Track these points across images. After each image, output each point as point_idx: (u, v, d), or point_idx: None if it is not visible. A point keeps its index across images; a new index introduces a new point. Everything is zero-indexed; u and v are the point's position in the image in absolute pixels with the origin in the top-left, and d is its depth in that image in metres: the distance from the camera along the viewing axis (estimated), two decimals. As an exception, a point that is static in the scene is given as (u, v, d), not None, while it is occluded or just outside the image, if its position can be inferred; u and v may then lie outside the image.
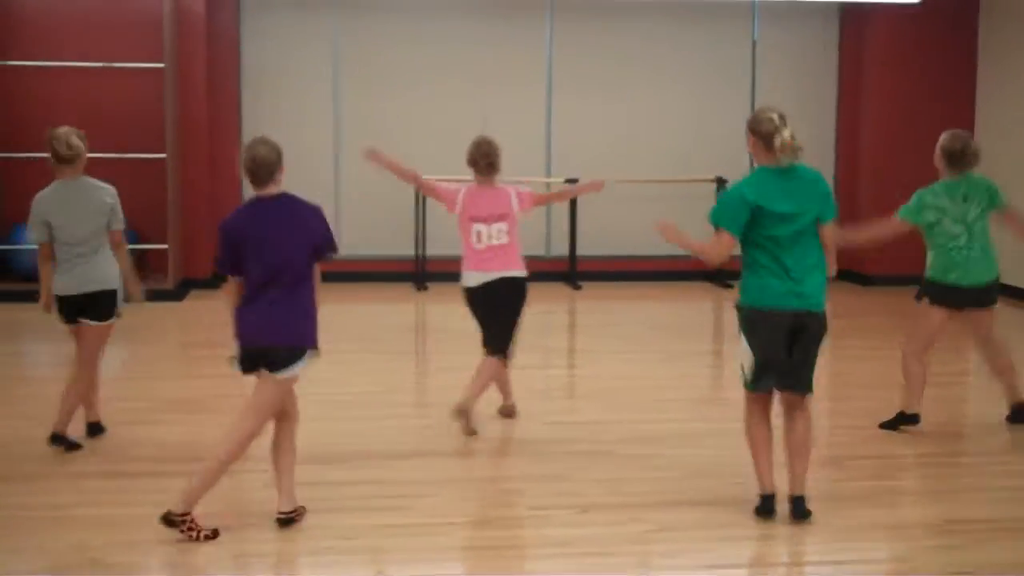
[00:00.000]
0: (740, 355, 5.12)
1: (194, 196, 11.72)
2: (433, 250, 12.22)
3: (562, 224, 12.49)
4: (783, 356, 5.02)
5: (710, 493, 5.48)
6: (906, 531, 5.11)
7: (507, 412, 6.84)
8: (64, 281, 6.08)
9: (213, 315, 10.36)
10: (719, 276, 12.52)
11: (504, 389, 6.80)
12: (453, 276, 12.11)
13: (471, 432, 6.39)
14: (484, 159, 6.49)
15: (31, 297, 10.58)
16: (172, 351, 9.18)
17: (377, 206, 12.49)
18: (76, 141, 6.04)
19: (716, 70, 12.97)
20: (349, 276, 12.10)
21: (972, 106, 12.66)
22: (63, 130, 6.06)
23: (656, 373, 8.36)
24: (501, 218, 6.43)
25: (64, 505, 5.29)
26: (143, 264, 11.44)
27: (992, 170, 12.14)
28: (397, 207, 12.16)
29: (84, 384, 6.20)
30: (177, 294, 11.08)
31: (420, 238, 12.14)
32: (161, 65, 11.04)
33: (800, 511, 5.10)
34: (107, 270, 6.12)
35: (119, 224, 6.19)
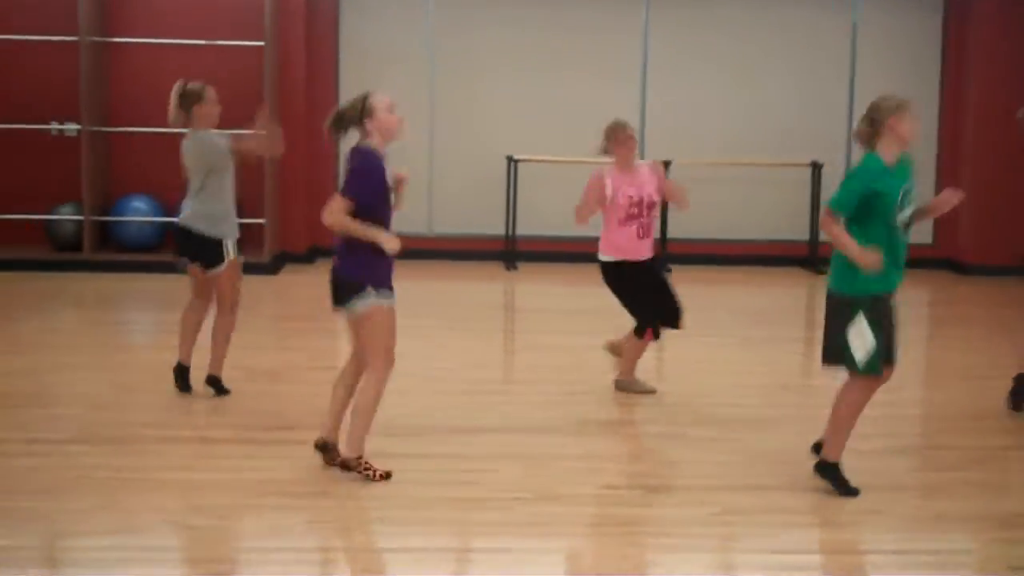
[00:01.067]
0: (859, 341, 5.14)
1: (291, 173, 11.97)
2: (523, 230, 12.33)
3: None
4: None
5: (777, 479, 5.49)
6: (973, 523, 5.08)
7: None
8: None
9: (307, 289, 10.63)
10: (812, 262, 12.40)
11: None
12: (543, 256, 12.35)
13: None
14: (629, 140, 6.86)
15: (135, 267, 11.05)
16: (265, 323, 9.40)
17: (469, 185, 12.63)
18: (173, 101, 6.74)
19: (815, 55, 12.81)
20: (439, 254, 12.29)
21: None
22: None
23: (739, 357, 8.36)
24: (651, 198, 6.81)
25: (149, 468, 5.51)
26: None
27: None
28: (489, 186, 12.29)
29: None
30: (272, 267, 11.36)
31: (511, 218, 12.24)
32: (261, 43, 11.29)
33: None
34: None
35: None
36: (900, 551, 4.80)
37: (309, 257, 12.05)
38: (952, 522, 5.09)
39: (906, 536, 4.93)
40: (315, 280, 11.10)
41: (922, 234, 12.85)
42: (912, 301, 11.51)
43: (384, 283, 5.26)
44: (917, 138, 5.28)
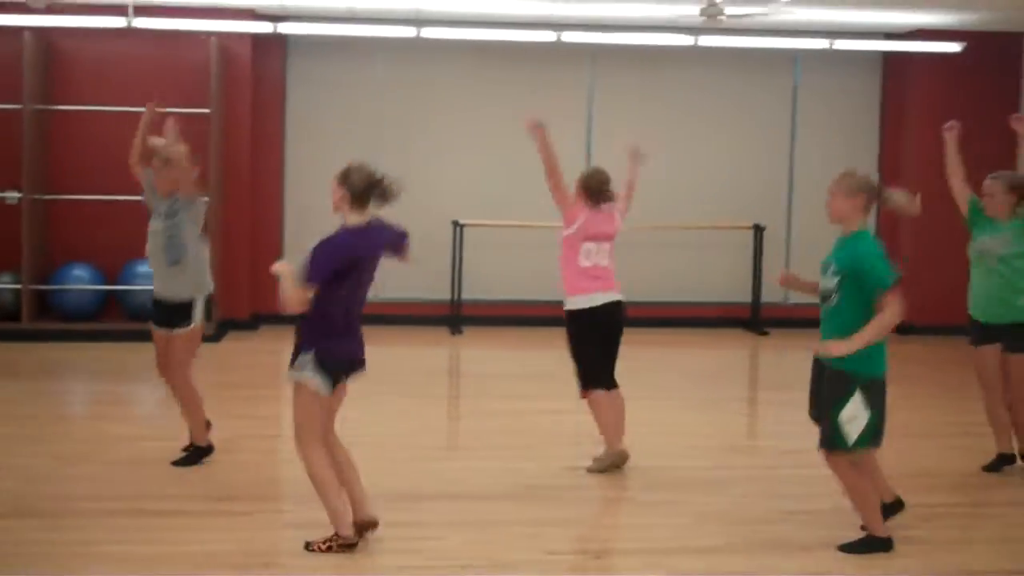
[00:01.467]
0: (853, 421, 5.22)
1: (235, 240, 11.90)
2: (469, 294, 12.32)
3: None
4: None
5: (724, 540, 5.47)
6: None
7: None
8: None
9: (250, 356, 10.53)
10: (755, 323, 12.49)
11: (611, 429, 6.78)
12: (488, 320, 12.32)
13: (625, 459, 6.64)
14: (602, 186, 6.89)
15: (75, 336, 10.89)
16: (207, 391, 9.25)
17: (414, 250, 12.57)
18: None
19: (757, 117, 12.99)
20: (384, 319, 12.22)
21: (1014, 151, 12.57)
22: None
23: (687, 419, 8.36)
24: (609, 238, 6.81)
25: (88, 542, 5.38)
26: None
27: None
28: (434, 251, 12.25)
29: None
30: (215, 335, 11.23)
31: (456, 282, 12.23)
32: (207, 111, 11.27)
33: None
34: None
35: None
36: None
37: (252, 324, 11.95)
38: (901, 581, 5.10)
39: (856, 597, 4.92)
40: (258, 347, 11.03)
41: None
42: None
43: None
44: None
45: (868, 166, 13.02)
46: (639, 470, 6.77)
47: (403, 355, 11.06)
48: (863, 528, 5.43)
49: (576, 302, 6.66)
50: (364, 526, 5.28)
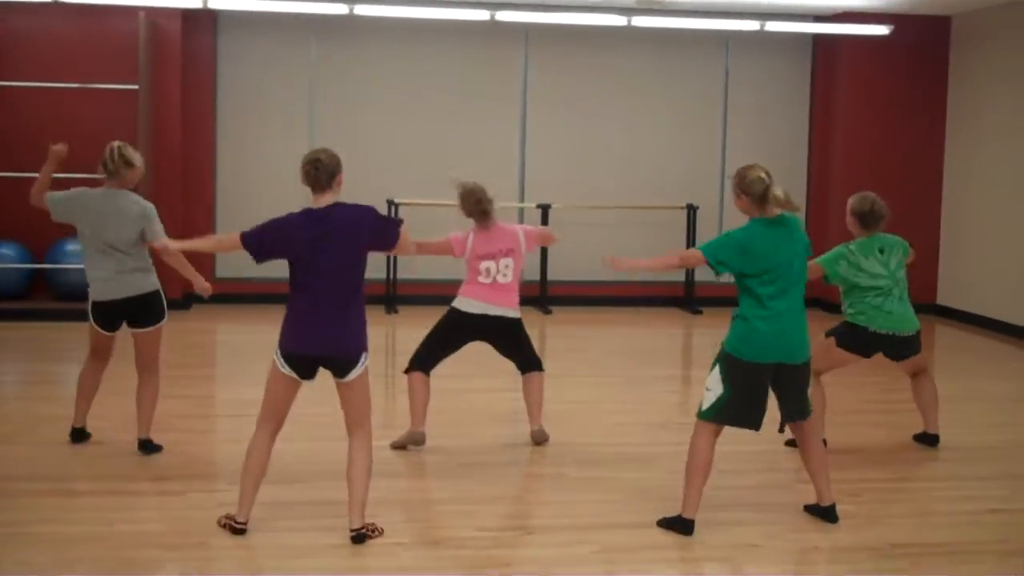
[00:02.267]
0: (709, 391, 5.38)
1: (166, 218, 11.71)
2: (404, 274, 12.31)
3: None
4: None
5: (655, 515, 5.53)
6: (849, 555, 5.19)
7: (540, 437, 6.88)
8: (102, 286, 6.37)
9: (182, 336, 10.42)
10: (688, 302, 12.62)
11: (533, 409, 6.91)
12: (423, 299, 12.31)
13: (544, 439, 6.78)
14: (477, 206, 6.64)
15: (3, 316, 10.72)
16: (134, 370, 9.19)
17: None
18: (117, 158, 6.34)
19: (689, 99, 13.10)
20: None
21: (943, 132, 12.82)
22: (114, 144, 6.40)
23: (619, 397, 8.45)
24: (509, 253, 6.64)
25: (16, 522, 5.32)
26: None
27: (962, 195, 12.35)
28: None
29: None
30: (147, 314, 11.11)
31: (392, 261, 12.21)
32: (135, 87, 11.11)
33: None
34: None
35: (153, 236, 6.41)
36: (776, 584, 4.89)
37: (185, 303, 11.84)
38: (829, 553, 5.20)
39: (784, 569, 5.02)
40: (191, 327, 10.93)
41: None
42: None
43: None
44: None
45: (798, 147, 13.21)
46: (570, 447, 6.84)
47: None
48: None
49: (461, 303, 6.72)
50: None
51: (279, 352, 5.10)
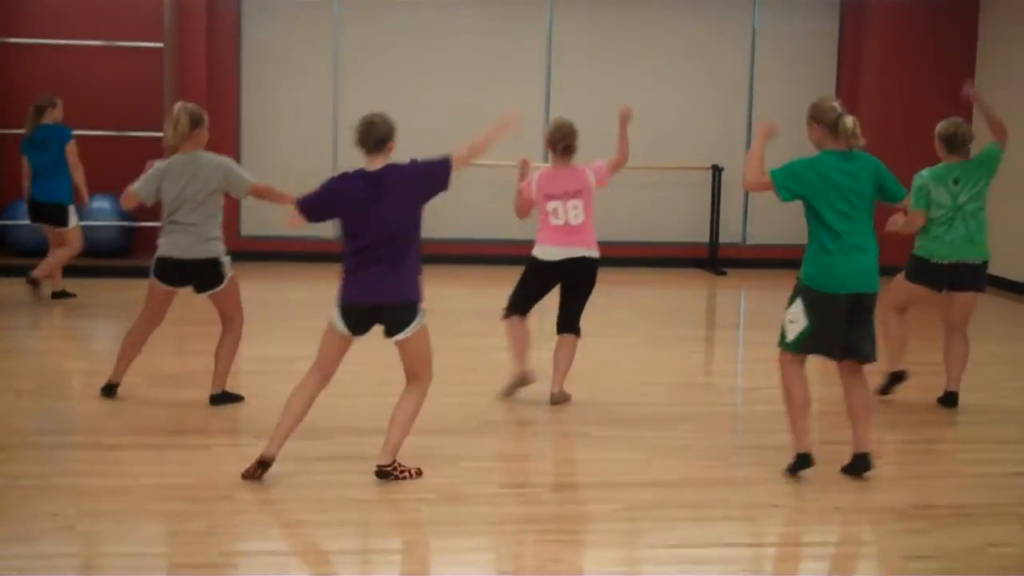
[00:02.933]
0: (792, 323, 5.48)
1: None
2: (442, 233, 12.33)
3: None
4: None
5: (677, 474, 5.56)
6: (872, 515, 5.19)
7: (561, 398, 6.89)
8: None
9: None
10: (712, 263, 12.59)
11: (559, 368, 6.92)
12: (454, 259, 12.31)
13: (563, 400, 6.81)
14: (562, 142, 6.77)
15: (21, 272, 10.78)
16: (165, 327, 9.17)
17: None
18: (183, 120, 6.33)
19: (716, 59, 13.01)
20: (335, 257, 12.23)
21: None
22: (176, 106, 6.43)
23: (642, 357, 8.45)
24: (576, 195, 6.70)
25: (44, 474, 5.38)
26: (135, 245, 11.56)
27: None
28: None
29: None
30: (146, 271, 11.14)
31: (431, 221, 12.18)
32: (160, 45, 11.12)
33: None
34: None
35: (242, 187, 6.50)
36: (799, 543, 4.91)
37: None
38: (849, 514, 5.20)
39: (805, 529, 5.03)
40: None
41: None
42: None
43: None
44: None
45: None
46: (594, 406, 6.86)
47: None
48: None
49: (539, 251, 6.78)
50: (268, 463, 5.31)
51: (337, 307, 5.30)
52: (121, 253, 11.54)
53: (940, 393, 7.09)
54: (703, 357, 8.90)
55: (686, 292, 11.82)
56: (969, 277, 6.76)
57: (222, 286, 6.54)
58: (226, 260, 6.55)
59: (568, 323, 6.88)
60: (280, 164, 12.10)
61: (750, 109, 12.86)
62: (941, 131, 6.90)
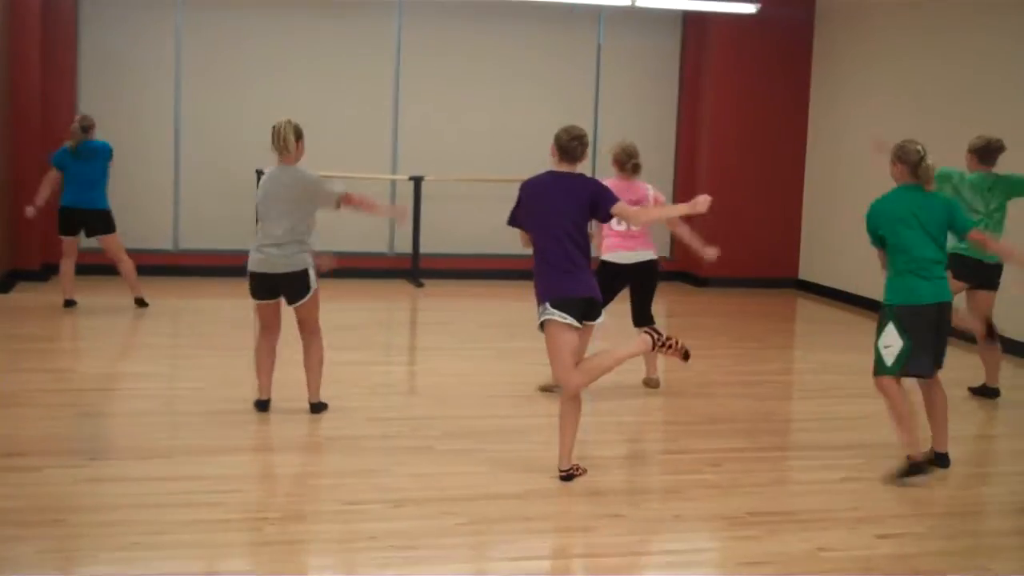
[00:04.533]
0: (888, 347, 5.99)
1: (23, 184, 11.39)
2: (427, 248, 12.29)
3: (407, 222, 12.54)
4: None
5: (521, 487, 5.60)
6: (709, 523, 5.32)
7: (654, 384, 7.76)
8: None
9: (40, 307, 10.15)
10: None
11: (649, 362, 7.77)
12: (448, 274, 12.19)
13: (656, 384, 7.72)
14: (630, 160, 7.49)
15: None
16: (-2, 344, 8.93)
17: (215, 199, 12.33)
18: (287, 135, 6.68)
19: (563, 72, 13.16)
20: (185, 270, 12.01)
21: (806, 109, 13.14)
22: (281, 122, 6.75)
23: (489, 369, 8.48)
24: (638, 204, 7.31)
25: None
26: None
27: (827, 172, 12.67)
28: (237, 200, 12.00)
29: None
30: (3, 285, 10.76)
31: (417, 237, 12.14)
32: (-9, 49, 10.72)
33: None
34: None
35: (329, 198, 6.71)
36: (640, 552, 4.99)
37: (43, 274, 11.49)
38: (689, 522, 5.32)
39: (643, 538, 5.11)
40: (50, 298, 10.62)
41: (660, 248, 13.40)
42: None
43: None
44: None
45: (667, 121, 13.40)
46: (439, 420, 6.87)
47: (205, 307, 10.85)
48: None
49: (612, 256, 7.58)
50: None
51: (549, 305, 5.63)
52: None
53: (771, 400, 7.28)
54: (547, 369, 8.95)
55: (534, 304, 11.86)
56: (991, 274, 7.54)
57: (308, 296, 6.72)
58: (313, 273, 6.68)
59: (643, 318, 7.66)
60: (116, 169, 11.81)
61: (596, 122, 13.04)
62: (972, 145, 7.60)
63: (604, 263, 7.49)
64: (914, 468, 5.95)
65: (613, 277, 7.47)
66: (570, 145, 5.77)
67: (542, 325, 5.68)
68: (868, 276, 11.83)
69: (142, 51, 12.18)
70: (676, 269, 13.17)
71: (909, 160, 5.99)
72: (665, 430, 7.10)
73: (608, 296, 7.06)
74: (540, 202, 5.69)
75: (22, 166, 11.38)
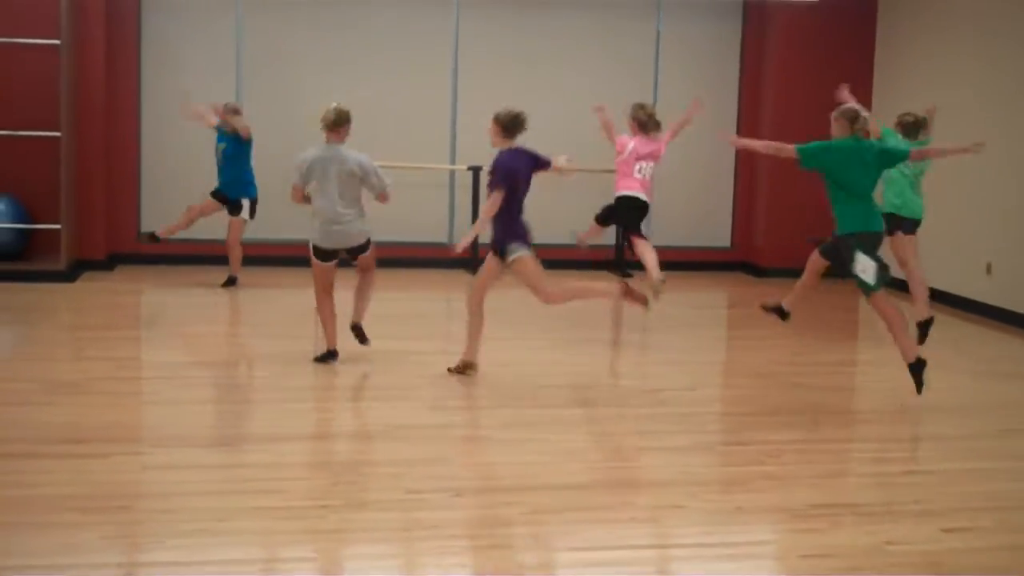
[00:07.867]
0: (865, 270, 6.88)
1: (89, 176, 11.56)
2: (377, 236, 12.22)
3: (466, 213, 12.56)
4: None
5: (582, 477, 5.59)
6: (769, 515, 5.27)
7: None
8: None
9: (105, 297, 10.30)
10: (621, 266, 12.67)
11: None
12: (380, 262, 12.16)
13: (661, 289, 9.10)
14: (652, 119, 9.65)
15: None
16: (63, 334, 9.06)
17: (279, 192, 12.38)
18: (333, 112, 7.55)
19: (621, 62, 13.09)
20: (253, 261, 12.10)
21: (869, 97, 12.95)
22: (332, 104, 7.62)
23: (548, 359, 8.47)
24: (656, 157, 9.66)
25: (-66, 486, 5.23)
26: (32, 245, 11.30)
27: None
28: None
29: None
30: (69, 275, 10.91)
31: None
32: (57, 41, 10.86)
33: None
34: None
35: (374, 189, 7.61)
36: (701, 544, 4.94)
37: (108, 264, 11.65)
38: (750, 514, 5.27)
39: (706, 530, 5.08)
40: (115, 287, 10.78)
41: (720, 238, 13.30)
42: (711, 303, 11.92)
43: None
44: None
45: (728, 110, 13.29)
46: (500, 409, 6.87)
47: (265, 297, 10.93)
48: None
49: (628, 193, 9.59)
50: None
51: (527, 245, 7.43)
52: (15, 256, 11.24)
53: (831, 392, 7.23)
54: (608, 360, 8.95)
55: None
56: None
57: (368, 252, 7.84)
58: (369, 231, 7.74)
59: (635, 232, 9.65)
60: (181, 160, 11.93)
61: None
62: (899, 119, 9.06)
63: (625, 197, 9.55)
64: (915, 367, 6.94)
65: (628, 208, 9.58)
66: (514, 123, 7.39)
67: (515, 260, 7.34)
68: (928, 267, 11.69)
69: (203, 46, 12.28)
70: (736, 259, 13.06)
71: (847, 116, 7.01)
72: (725, 421, 7.04)
73: (623, 220, 9.76)
74: (517, 172, 7.34)
75: (87, 161, 11.53)
